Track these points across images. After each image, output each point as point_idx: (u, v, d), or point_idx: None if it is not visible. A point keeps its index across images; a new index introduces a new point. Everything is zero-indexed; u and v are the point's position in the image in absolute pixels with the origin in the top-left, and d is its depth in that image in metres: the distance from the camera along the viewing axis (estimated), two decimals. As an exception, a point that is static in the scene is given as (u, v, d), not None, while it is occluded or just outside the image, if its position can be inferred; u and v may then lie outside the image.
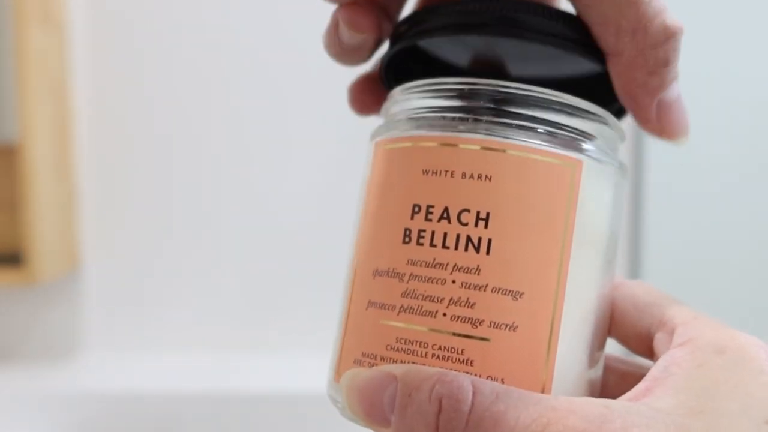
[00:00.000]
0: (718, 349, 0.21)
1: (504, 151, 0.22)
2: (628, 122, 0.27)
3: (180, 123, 0.76)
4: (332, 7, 0.27)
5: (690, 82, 0.75)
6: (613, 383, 0.26)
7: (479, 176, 0.22)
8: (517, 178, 0.22)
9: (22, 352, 0.79)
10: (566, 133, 0.23)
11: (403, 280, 0.23)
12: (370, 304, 0.23)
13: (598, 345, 0.24)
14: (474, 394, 0.20)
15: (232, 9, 0.75)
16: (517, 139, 0.22)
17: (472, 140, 0.22)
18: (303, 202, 0.77)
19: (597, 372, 0.24)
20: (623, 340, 0.25)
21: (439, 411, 0.20)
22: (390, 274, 0.23)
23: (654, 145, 0.73)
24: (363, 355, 0.23)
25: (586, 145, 0.23)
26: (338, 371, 0.24)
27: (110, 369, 0.77)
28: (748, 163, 0.74)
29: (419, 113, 0.24)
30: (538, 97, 0.23)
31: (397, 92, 0.26)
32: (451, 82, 0.24)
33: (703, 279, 0.73)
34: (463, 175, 0.22)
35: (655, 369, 0.21)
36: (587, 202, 0.23)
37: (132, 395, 0.73)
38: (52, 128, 0.72)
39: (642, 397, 0.20)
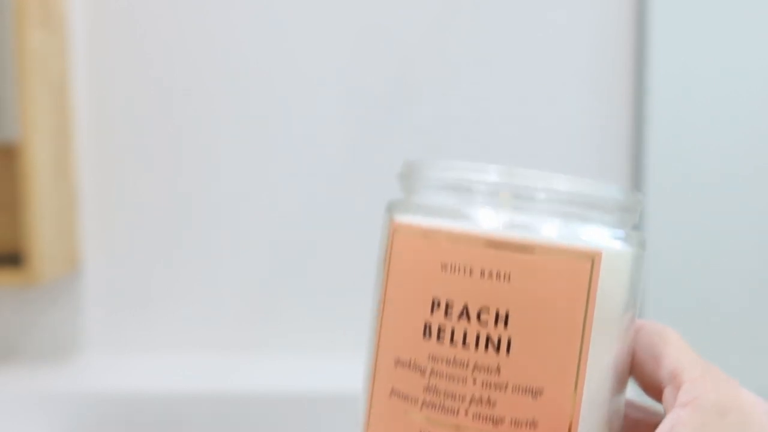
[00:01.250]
0: (721, 410, 0.22)
1: (523, 250, 0.22)
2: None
3: (180, 123, 0.76)
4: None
5: (692, 83, 0.75)
6: (625, 429, 0.27)
7: (498, 275, 0.22)
8: (536, 278, 0.22)
9: (22, 352, 0.79)
10: (585, 225, 0.23)
11: (424, 375, 0.23)
12: (393, 392, 0.24)
13: (616, 427, 0.25)
14: None
15: (233, 9, 0.75)
16: (536, 237, 0.23)
17: (491, 238, 0.23)
18: (304, 203, 0.77)
19: None
20: (641, 386, 0.26)
21: None
22: (412, 366, 0.24)
23: (654, 143, 0.74)
24: None
25: (605, 235, 0.24)
26: None
27: (110, 369, 0.77)
28: (749, 164, 0.74)
29: (439, 201, 0.24)
30: (558, 191, 0.23)
31: (418, 167, 0.26)
32: (471, 169, 0.24)
33: (704, 280, 0.73)
34: (482, 273, 0.22)
35: (662, 428, 0.22)
36: (606, 291, 0.23)
37: (132, 396, 0.73)
38: (52, 128, 0.72)
39: None
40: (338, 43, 0.74)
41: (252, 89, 0.76)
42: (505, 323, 0.22)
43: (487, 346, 0.22)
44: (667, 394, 0.24)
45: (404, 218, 0.25)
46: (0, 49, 0.71)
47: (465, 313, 0.23)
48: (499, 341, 0.22)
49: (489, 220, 0.23)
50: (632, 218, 0.25)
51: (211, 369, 0.77)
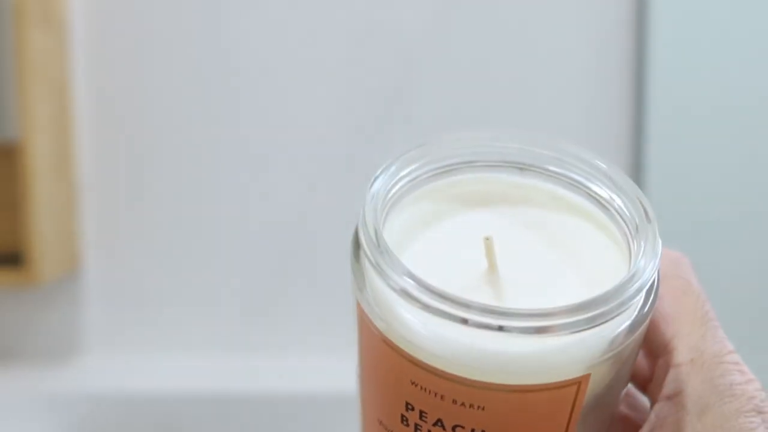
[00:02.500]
0: (702, 408, 0.21)
1: (497, 389, 0.20)
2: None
3: (180, 123, 0.76)
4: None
5: (693, 58, 0.73)
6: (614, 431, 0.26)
7: (471, 405, 0.20)
8: (514, 411, 0.20)
9: (22, 352, 0.79)
10: (573, 354, 0.20)
11: None
12: None
13: None
14: None
15: (231, 9, 0.75)
16: (511, 376, 0.20)
17: (461, 378, 0.20)
18: (305, 203, 0.77)
19: None
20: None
21: None
22: None
23: (655, 124, 0.74)
24: None
25: (596, 356, 0.20)
26: None
27: (110, 370, 0.77)
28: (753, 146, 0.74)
29: (403, 318, 0.21)
30: (541, 327, 0.19)
31: (377, 256, 0.21)
32: (448, 299, 0.20)
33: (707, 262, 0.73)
34: (454, 401, 0.20)
35: (645, 427, 0.22)
36: (592, 404, 0.21)
37: (132, 396, 0.73)
38: (52, 128, 0.72)
39: None
40: (337, 43, 0.74)
41: (252, 89, 0.76)
42: None
43: None
44: (658, 369, 0.23)
45: (367, 310, 0.21)
46: (0, 49, 0.71)
47: (440, 423, 0.21)
48: None
49: (457, 355, 0.20)
50: (634, 306, 0.21)
51: (211, 369, 0.77)
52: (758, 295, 0.74)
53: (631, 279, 0.20)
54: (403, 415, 0.22)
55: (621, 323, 0.20)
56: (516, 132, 0.24)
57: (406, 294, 0.20)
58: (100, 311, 0.79)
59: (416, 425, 0.21)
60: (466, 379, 0.20)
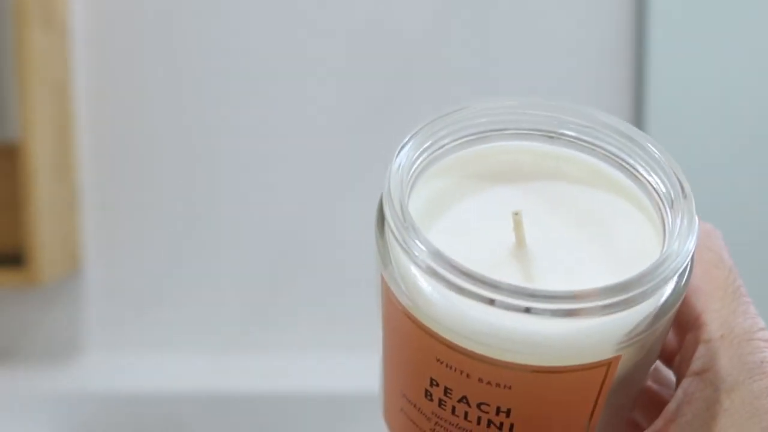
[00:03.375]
0: (731, 386, 0.21)
1: (526, 371, 0.20)
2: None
3: (180, 123, 0.76)
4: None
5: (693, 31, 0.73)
6: (640, 404, 0.26)
7: (497, 384, 0.20)
8: (541, 390, 0.20)
9: (23, 352, 0.79)
10: (604, 336, 0.19)
11: (430, 421, 0.22)
12: (403, 411, 0.23)
13: None
14: None
15: (230, 9, 0.75)
16: (541, 357, 0.19)
17: (490, 360, 0.20)
18: (303, 202, 0.77)
19: None
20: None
21: None
22: (417, 408, 0.22)
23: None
24: None
25: (628, 337, 0.20)
26: None
27: (111, 369, 0.77)
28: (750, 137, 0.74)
29: (430, 295, 0.20)
30: (570, 309, 0.19)
31: (402, 232, 0.20)
32: (476, 279, 0.19)
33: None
34: (480, 380, 0.20)
35: (673, 403, 0.22)
36: (621, 382, 0.21)
37: (133, 396, 0.73)
38: (53, 128, 0.72)
39: None
40: (337, 43, 0.75)
41: (252, 89, 0.76)
42: (508, 414, 0.21)
43: (489, 425, 0.21)
44: (686, 344, 0.23)
45: (392, 286, 0.21)
46: (0, 50, 0.71)
47: (465, 400, 0.21)
48: (502, 425, 0.21)
49: (484, 335, 0.19)
50: (668, 284, 0.20)
51: (211, 369, 0.77)
52: (758, 291, 0.74)
53: (665, 261, 0.19)
54: (427, 390, 0.21)
55: (654, 303, 0.20)
56: (546, 101, 0.23)
57: (432, 272, 0.19)
58: (100, 311, 0.79)
59: (440, 400, 0.21)
60: (492, 359, 0.19)
